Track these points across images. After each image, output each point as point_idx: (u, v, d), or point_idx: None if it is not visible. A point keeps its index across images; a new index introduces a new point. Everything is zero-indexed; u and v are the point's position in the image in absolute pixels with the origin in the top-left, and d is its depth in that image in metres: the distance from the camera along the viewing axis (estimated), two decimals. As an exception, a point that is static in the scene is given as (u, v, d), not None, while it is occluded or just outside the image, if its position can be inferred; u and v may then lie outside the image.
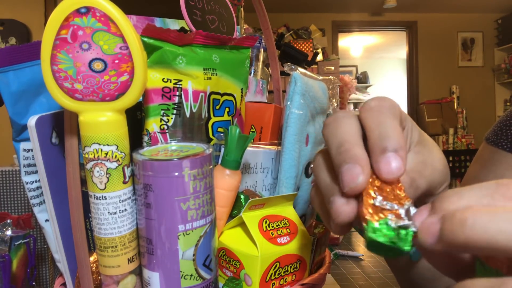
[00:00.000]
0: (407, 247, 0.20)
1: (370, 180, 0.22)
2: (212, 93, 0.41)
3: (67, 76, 0.29)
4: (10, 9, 2.64)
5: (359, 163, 0.22)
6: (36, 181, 0.39)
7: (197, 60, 0.39)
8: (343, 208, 0.23)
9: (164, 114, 0.38)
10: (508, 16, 4.36)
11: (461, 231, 0.17)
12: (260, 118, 0.51)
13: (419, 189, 0.25)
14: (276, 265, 0.37)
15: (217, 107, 0.42)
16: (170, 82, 0.38)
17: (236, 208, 0.41)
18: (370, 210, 0.21)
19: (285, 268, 0.38)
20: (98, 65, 0.29)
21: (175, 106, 0.38)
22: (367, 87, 6.37)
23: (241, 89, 0.45)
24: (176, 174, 0.31)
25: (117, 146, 0.31)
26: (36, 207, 0.40)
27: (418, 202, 0.25)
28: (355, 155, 0.23)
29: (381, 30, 4.84)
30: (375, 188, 0.22)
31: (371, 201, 0.21)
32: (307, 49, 3.18)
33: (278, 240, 0.38)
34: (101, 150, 0.30)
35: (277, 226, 0.39)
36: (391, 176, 0.22)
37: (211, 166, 0.33)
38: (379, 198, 0.21)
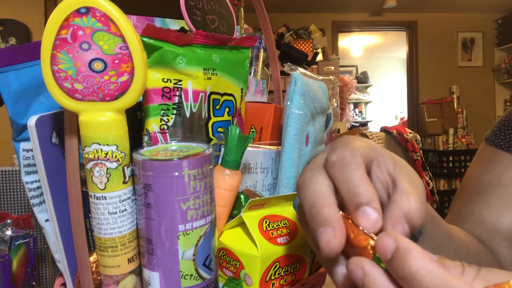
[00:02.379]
0: None
1: (350, 221, 0.24)
2: (212, 93, 0.41)
3: (67, 76, 0.29)
4: (10, 9, 2.64)
5: (330, 224, 0.23)
6: (36, 181, 0.39)
7: (197, 60, 0.39)
8: (342, 274, 0.24)
9: (164, 114, 0.38)
10: (508, 16, 4.35)
11: None
12: (260, 118, 0.51)
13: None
14: (276, 265, 0.37)
15: (217, 107, 0.42)
16: (170, 82, 0.38)
17: (236, 208, 0.41)
18: (371, 251, 0.22)
19: (285, 268, 0.38)
20: (98, 65, 0.29)
21: (175, 106, 0.38)
22: (367, 87, 6.37)
23: (241, 89, 0.45)
24: (176, 174, 0.31)
25: (117, 146, 0.31)
26: (36, 207, 0.40)
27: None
28: (325, 217, 0.23)
29: (381, 30, 4.84)
30: (354, 224, 0.23)
31: (367, 244, 0.22)
32: (307, 49, 3.18)
33: (278, 240, 0.38)
34: (101, 150, 0.30)
35: (277, 226, 0.39)
36: (373, 229, 0.23)
37: (211, 166, 0.33)
38: (371, 234, 0.23)
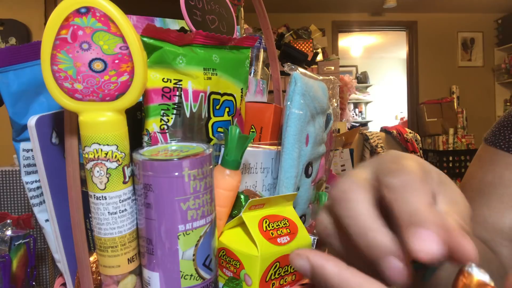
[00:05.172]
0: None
1: None
2: (212, 93, 0.41)
3: (67, 76, 0.29)
4: (10, 9, 2.64)
5: (394, 254, 0.21)
6: (36, 181, 0.39)
7: (197, 60, 0.39)
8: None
9: (164, 114, 0.38)
10: (508, 16, 4.36)
11: None
12: (260, 118, 0.51)
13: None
14: (276, 265, 0.37)
15: (217, 107, 0.42)
16: (170, 82, 0.38)
17: (236, 208, 0.41)
18: None
19: (285, 268, 0.38)
20: (98, 65, 0.29)
21: (175, 106, 0.38)
22: (367, 87, 6.37)
23: (241, 89, 0.45)
24: (176, 174, 0.31)
25: (117, 146, 0.31)
26: (36, 207, 0.40)
27: None
28: (385, 247, 0.21)
29: (381, 30, 4.84)
30: None
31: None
32: (307, 49, 3.18)
33: (278, 240, 0.38)
34: (101, 150, 0.30)
35: (277, 226, 0.39)
36: (428, 258, 0.19)
37: (211, 166, 0.33)
38: None
